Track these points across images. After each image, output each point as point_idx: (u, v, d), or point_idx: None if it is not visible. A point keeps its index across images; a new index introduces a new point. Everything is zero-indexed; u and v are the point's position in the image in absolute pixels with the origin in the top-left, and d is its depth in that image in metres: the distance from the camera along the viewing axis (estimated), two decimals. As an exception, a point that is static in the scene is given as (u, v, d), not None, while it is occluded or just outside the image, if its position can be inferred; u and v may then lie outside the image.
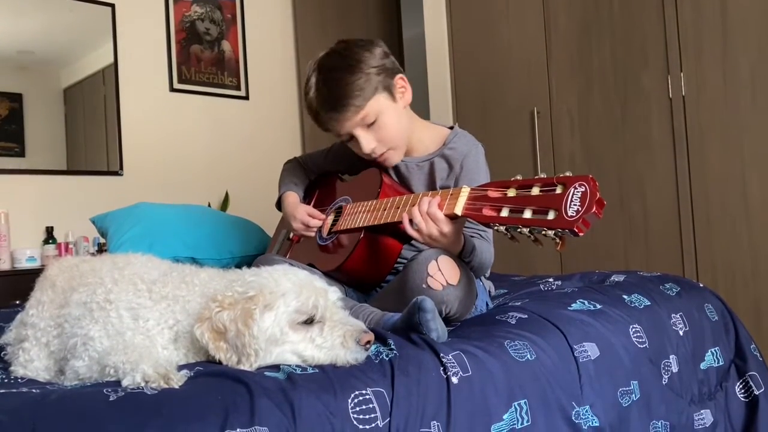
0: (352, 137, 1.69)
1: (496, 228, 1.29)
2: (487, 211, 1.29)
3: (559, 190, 1.20)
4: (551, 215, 1.18)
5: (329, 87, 1.63)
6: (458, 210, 1.35)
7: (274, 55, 4.60)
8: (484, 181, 1.68)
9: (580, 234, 1.15)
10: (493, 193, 1.30)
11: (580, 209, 1.15)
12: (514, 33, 3.51)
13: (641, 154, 3.02)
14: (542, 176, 1.25)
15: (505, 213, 1.26)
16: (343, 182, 1.91)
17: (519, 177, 1.29)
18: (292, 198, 1.87)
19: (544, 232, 1.20)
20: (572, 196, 1.17)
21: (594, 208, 1.14)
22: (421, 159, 1.75)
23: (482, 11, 3.64)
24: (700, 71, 2.83)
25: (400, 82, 1.69)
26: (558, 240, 1.20)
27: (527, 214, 1.22)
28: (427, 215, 1.40)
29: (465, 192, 1.36)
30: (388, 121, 1.66)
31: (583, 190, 1.16)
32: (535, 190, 1.23)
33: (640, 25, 3.02)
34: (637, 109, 3.03)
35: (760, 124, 2.68)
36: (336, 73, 1.62)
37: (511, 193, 1.27)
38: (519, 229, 1.24)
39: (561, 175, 1.21)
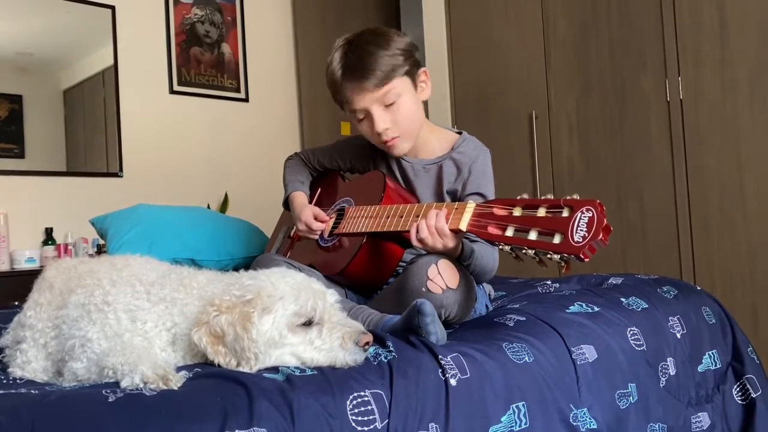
0: (365, 116, 1.66)
1: (501, 247, 1.28)
2: (492, 229, 1.28)
3: (565, 213, 1.19)
4: (557, 239, 1.18)
5: (358, 56, 1.61)
6: (463, 226, 1.35)
7: (273, 57, 4.61)
8: (490, 186, 1.69)
9: (586, 260, 1.15)
10: (498, 211, 1.29)
11: (586, 235, 1.14)
12: (513, 36, 3.51)
13: (639, 158, 3.03)
14: (549, 197, 1.24)
15: (510, 232, 1.25)
16: (345, 182, 1.90)
17: (525, 196, 1.28)
18: (301, 198, 1.86)
19: (549, 256, 1.20)
20: (579, 221, 1.16)
21: (600, 235, 1.14)
22: (429, 162, 1.75)
23: (481, 14, 3.65)
24: (698, 75, 2.84)
25: (423, 76, 1.70)
26: (563, 264, 1.20)
27: (533, 235, 1.21)
28: (435, 230, 1.40)
29: (471, 208, 1.36)
30: (406, 106, 1.65)
31: (590, 215, 1.15)
32: (542, 212, 1.22)
33: (638, 28, 3.02)
34: (635, 113, 3.04)
35: (757, 127, 2.69)
36: (367, 45, 1.62)
37: (517, 212, 1.26)
38: (524, 250, 1.23)
39: (568, 198, 1.20)
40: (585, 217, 1.16)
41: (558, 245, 1.17)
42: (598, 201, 1.17)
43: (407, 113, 1.65)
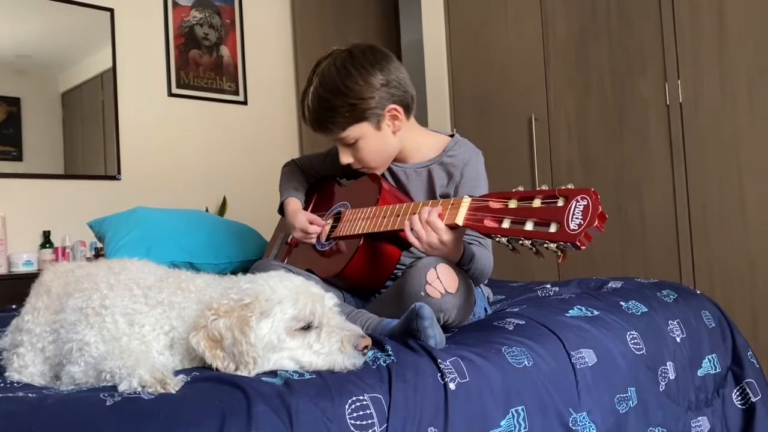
0: None
1: (497, 239, 1.29)
2: (489, 222, 1.29)
3: (560, 203, 1.20)
4: (553, 228, 1.19)
5: (316, 105, 1.67)
6: (459, 220, 1.35)
7: (272, 60, 4.61)
8: (484, 188, 1.69)
9: (582, 247, 1.15)
10: (494, 204, 1.30)
11: (582, 223, 1.15)
12: (512, 39, 3.52)
13: (638, 161, 3.03)
14: (544, 188, 1.25)
15: (506, 224, 1.26)
16: (341, 187, 1.91)
17: (520, 188, 1.29)
18: (294, 204, 1.87)
19: (545, 245, 1.20)
20: (574, 210, 1.17)
21: (596, 222, 1.15)
22: (419, 165, 1.75)
23: (480, 17, 3.65)
24: (698, 78, 2.84)
25: (393, 111, 1.67)
26: (560, 253, 1.20)
27: (529, 226, 1.22)
28: (427, 224, 1.40)
29: (466, 202, 1.36)
30: (366, 146, 1.69)
31: (585, 203, 1.16)
32: (537, 202, 1.23)
33: (637, 32, 3.03)
34: (635, 116, 3.04)
35: (756, 130, 2.69)
36: (326, 92, 1.64)
37: (513, 204, 1.27)
38: (521, 241, 1.24)
39: (563, 188, 1.21)
40: (580, 205, 1.17)
41: (554, 234, 1.18)
42: (592, 189, 1.18)
43: (368, 152, 1.70)
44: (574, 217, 1.17)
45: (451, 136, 1.79)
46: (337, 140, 1.71)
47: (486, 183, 1.72)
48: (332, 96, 1.63)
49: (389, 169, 1.78)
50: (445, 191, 1.71)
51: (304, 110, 1.71)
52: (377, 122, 1.67)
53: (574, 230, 1.16)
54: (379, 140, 1.69)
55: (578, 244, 1.15)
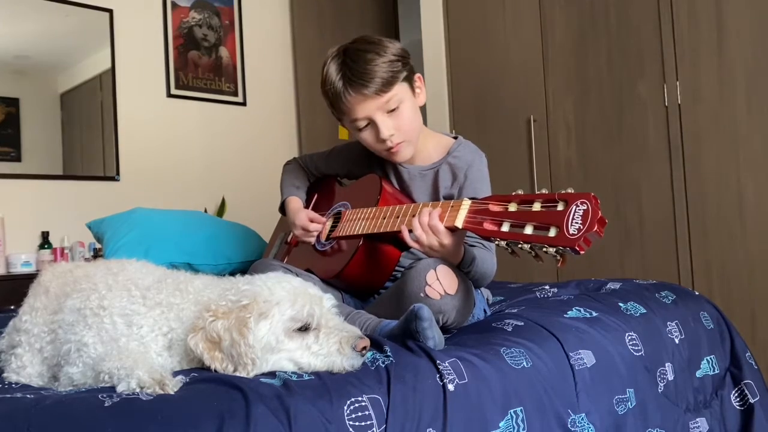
0: (368, 124, 1.65)
1: (497, 243, 1.29)
2: (488, 225, 1.29)
3: (560, 207, 1.20)
4: (552, 232, 1.19)
5: (359, 64, 1.59)
6: (459, 223, 1.36)
7: (271, 61, 4.61)
8: (487, 190, 1.69)
9: (581, 252, 1.15)
10: (494, 207, 1.30)
11: (581, 227, 1.15)
12: (511, 41, 3.52)
13: (637, 162, 3.03)
14: (543, 192, 1.25)
15: (506, 228, 1.26)
16: (342, 187, 1.91)
17: (520, 191, 1.29)
18: (295, 203, 1.86)
19: (545, 249, 1.20)
20: (574, 214, 1.17)
21: (595, 227, 1.15)
22: (425, 168, 1.75)
23: (479, 19, 3.66)
24: (696, 79, 2.85)
25: (418, 81, 1.70)
26: (559, 257, 1.21)
27: (528, 230, 1.22)
28: (428, 227, 1.40)
29: (466, 205, 1.36)
30: (407, 111, 1.65)
31: (585, 208, 1.17)
32: (537, 206, 1.23)
33: (636, 33, 3.03)
34: (633, 117, 3.04)
35: (755, 131, 2.69)
36: (366, 53, 1.60)
37: (512, 207, 1.27)
38: (520, 245, 1.24)
39: (562, 192, 1.21)
40: (580, 209, 1.17)
41: (554, 238, 1.18)
42: (592, 194, 1.18)
43: (409, 118, 1.66)
44: (574, 221, 1.17)
45: (455, 137, 1.79)
46: (379, 110, 1.61)
47: (489, 185, 1.72)
48: (376, 54, 1.60)
49: (394, 169, 1.77)
50: (449, 192, 1.71)
51: (336, 82, 1.60)
52: (411, 86, 1.66)
53: (573, 235, 1.16)
54: (415, 108, 1.68)
55: (577, 249, 1.15)
